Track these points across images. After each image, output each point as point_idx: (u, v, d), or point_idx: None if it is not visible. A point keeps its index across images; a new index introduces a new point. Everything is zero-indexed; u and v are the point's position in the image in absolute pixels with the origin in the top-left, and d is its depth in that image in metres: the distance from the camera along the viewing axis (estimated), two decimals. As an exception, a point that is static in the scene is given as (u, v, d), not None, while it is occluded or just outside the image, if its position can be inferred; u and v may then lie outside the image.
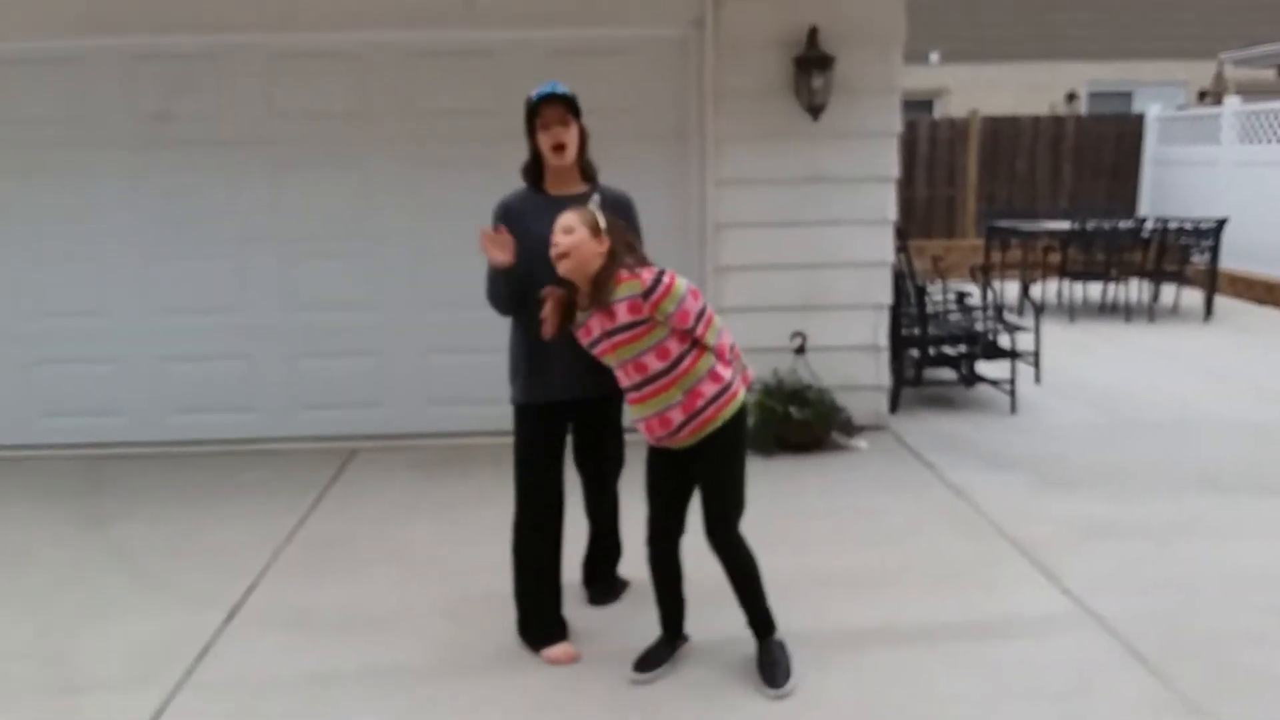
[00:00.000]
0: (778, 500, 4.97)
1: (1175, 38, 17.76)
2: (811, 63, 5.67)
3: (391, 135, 5.86)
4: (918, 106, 17.25)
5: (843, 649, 3.58)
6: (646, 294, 3.12)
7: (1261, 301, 10.73)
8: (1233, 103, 12.20)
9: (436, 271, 5.86)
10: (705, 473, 3.30)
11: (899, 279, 6.45)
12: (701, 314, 3.20)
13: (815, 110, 5.74)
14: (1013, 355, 6.67)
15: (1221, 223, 10.08)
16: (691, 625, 3.55)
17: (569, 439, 3.67)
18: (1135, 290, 10.22)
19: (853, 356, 6.04)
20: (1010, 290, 9.76)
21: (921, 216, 13.28)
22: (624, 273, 3.17)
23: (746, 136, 5.82)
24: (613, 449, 3.77)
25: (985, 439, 6.01)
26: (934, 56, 17.49)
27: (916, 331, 6.68)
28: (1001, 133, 13.61)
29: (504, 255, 3.32)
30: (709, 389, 3.20)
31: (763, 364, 5.77)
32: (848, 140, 5.84)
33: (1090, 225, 10.07)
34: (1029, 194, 13.62)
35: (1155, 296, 10.25)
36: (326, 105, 5.83)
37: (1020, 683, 3.35)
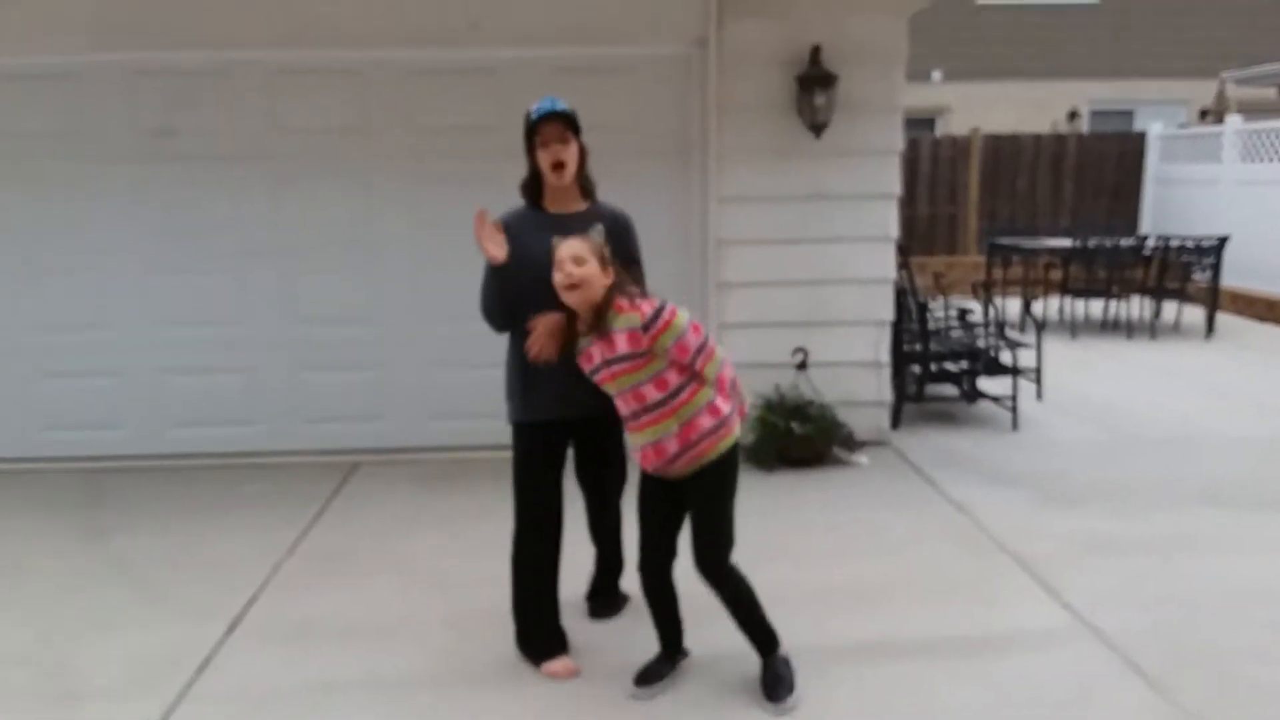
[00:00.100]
0: (779, 515, 4.98)
1: (1177, 56, 17.81)
2: (814, 81, 5.70)
3: (392, 151, 5.88)
4: (920, 124, 17.30)
5: (845, 662, 3.58)
6: (645, 327, 3.12)
7: (1262, 319, 10.74)
8: (1234, 121, 12.24)
9: (437, 285, 5.88)
10: (697, 503, 3.29)
11: (901, 295, 6.46)
12: (701, 348, 3.18)
13: (818, 128, 5.77)
14: (1014, 372, 6.67)
15: (1223, 240, 10.10)
16: (691, 640, 3.55)
17: (570, 453, 3.66)
18: (1137, 307, 10.23)
19: (854, 372, 6.05)
20: (1012, 307, 9.79)
21: (923, 233, 13.31)
22: (624, 302, 3.17)
23: (749, 154, 5.84)
24: (614, 463, 3.76)
25: (987, 455, 6.01)
26: (936, 75, 17.54)
27: (918, 347, 6.68)
28: (1003, 150, 13.65)
29: (498, 250, 3.32)
30: (706, 422, 3.19)
31: (765, 379, 5.81)
32: (850, 158, 5.87)
33: (1092, 243, 10.09)
34: (1030, 211, 13.66)
35: (1157, 314, 10.26)
36: (328, 121, 5.86)
37: (1021, 695, 3.35)
